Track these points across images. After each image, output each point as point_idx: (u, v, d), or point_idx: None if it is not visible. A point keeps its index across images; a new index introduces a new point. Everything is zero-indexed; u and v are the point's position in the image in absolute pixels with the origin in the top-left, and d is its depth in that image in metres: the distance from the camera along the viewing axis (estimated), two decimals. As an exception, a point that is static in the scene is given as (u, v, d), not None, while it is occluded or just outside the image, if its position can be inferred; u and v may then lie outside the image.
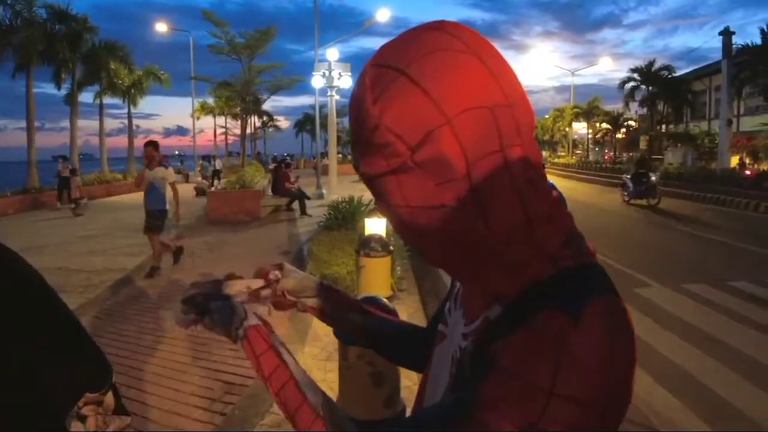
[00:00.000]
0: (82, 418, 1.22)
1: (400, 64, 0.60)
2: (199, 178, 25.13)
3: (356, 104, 0.63)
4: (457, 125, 0.58)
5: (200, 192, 20.94)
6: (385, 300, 2.12)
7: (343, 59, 19.91)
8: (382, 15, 21.81)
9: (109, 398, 1.23)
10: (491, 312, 0.68)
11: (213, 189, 17.35)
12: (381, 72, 0.61)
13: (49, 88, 26.32)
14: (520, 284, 0.64)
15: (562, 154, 51.77)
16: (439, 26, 0.64)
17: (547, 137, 54.55)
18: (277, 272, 0.97)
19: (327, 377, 4.26)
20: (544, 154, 52.68)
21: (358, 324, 1.05)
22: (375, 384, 2.19)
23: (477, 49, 0.61)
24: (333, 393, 4.01)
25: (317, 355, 4.69)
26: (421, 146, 0.59)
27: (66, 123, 25.31)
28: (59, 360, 1.18)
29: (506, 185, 0.60)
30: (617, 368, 0.58)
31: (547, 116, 54.07)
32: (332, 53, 19.65)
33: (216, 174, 25.15)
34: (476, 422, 0.58)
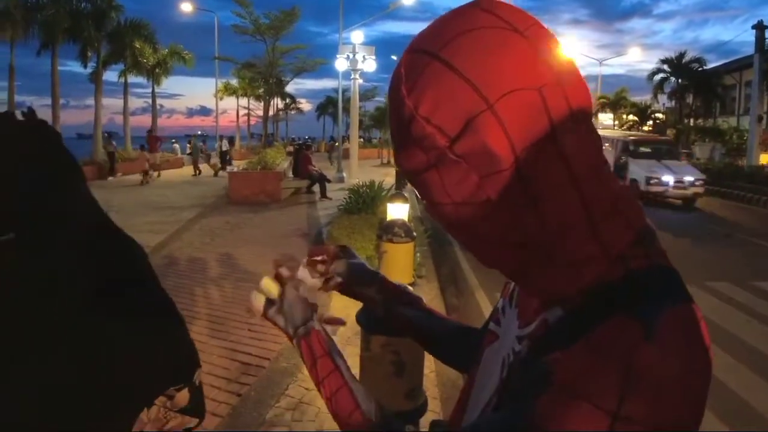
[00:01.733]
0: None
1: (433, 47, 0.54)
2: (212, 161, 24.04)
3: (392, 95, 0.58)
4: (500, 110, 0.51)
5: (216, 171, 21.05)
6: (410, 288, 2.04)
7: (368, 43, 19.72)
8: (408, -2, 21.54)
9: (182, 395, 1.15)
10: (550, 315, 0.61)
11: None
12: (414, 58, 0.55)
13: (74, 66, 26.65)
14: (583, 286, 0.58)
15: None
16: (475, 3, 0.57)
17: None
18: (335, 250, 0.95)
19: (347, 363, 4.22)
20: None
21: (407, 318, 1.00)
22: (397, 374, 2.13)
23: (518, 24, 0.54)
24: (350, 378, 3.99)
25: (335, 340, 4.64)
26: (462, 136, 0.53)
27: (90, 101, 25.45)
28: (154, 342, 1.13)
29: (560, 175, 0.54)
30: (691, 388, 0.51)
31: (572, 106, 53.43)
32: (357, 36, 19.50)
33: (223, 156, 23.90)
34: None
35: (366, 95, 39.92)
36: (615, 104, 44.81)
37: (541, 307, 0.64)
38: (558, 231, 0.56)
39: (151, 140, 20.91)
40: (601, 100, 45.81)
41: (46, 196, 0.98)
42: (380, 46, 20.14)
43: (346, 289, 0.98)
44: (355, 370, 3.23)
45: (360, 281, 0.97)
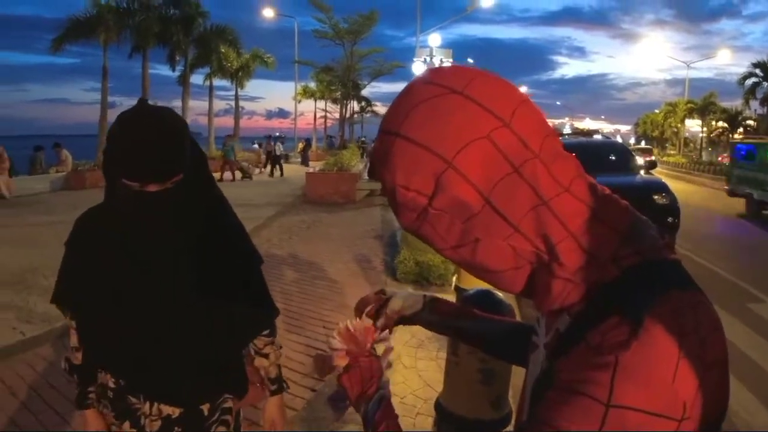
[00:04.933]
0: (265, 355, 1.72)
1: (394, 127, 0.64)
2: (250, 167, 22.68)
3: (376, 173, 0.69)
4: (458, 165, 0.61)
5: (244, 174, 20.59)
6: (499, 294, 2.02)
7: (444, 45, 19.71)
8: (486, 1, 21.30)
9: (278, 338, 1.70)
10: (561, 323, 0.68)
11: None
12: (384, 139, 0.66)
13: (162, 69, 27.98)
14: (583, 292, 0.65)
15: (672, 152, 48.73)
16: (422, 78, 0.67)
17: (656, 133, 51.57)
18: (378, 295, 1.06)
19: (417, 365, 4.23)
20: (653, 151, 49.86)
21: (464, 329, 1.08)
22: (484, 382, 2.10)
23: (456, 86, 0.63)
24: (422, 381, 4.00)
25: (408, 342, 4.66)
26: (436, 194, 0.63)
27: (176, 102, 26.64)
28: (244, 286, 1.62)
29: (530, 200, 0.63)
30: (687, 374, 0.56)
31: (657, 111, 51.15)
32: (434, 39, 19.54)
33: (276, 160, 22.95)
34: None
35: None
36: (703, 110, 42.42)
37: (554, 317, 0.70)
38: (547, 249, 0.64)
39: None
40: (689, 106, 43.53)
41: (192, 152, 1.41)
42: (457, 48, 20.04)
43: (400, 321, 1.08)
44: (432, 373, 3.24)
45: (416, 308, 1.07)
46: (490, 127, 0.62)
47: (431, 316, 1.07)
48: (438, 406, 2.26)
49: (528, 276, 0.68)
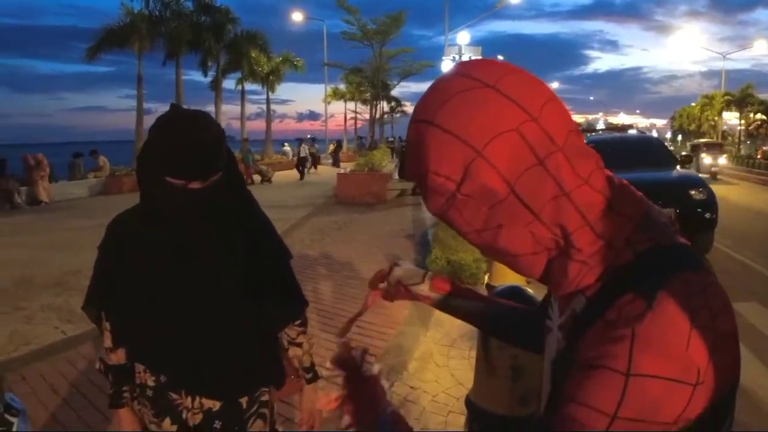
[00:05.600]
0: (299, 344, 1.77)
1: (427, 116, 0.69)
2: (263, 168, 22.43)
3: (408, 159, 0.73)
4: (488, 154, 0.65)
5: (263, 177, 20.58)
6: (530, 291, 2.01)
7: (473, 43, 19.59)
8: (515, -3, 21.10)
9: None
10: (577, 304, 0.73)
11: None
12: (417, 126, 0.70)
13: (195, 75, 28.50)
14: (598, 274, 0.69)
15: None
16: (455, 71, 0.71)
17: (693, 127, 50.35)
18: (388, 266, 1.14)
19: (449, 363, 4.22)
20: (689, 145, 48.63)
21: (465, 309, 1.13)
22: (514, 378, 2.09)
23: (489, 80, 0.67)
24: (455, 380, 3.97)
25: (440, 341, 4.65)
26: (464, 181, 0.67)
27: (209, 107, 27.15)
28: (275, 280, 1.69)
29: (552, 191, 0.67)
30: (699, 342, 0.60)
31: (693, 104, 49.94)
32: (463, 37, 19.45)
33: (301, 162, 23.05)
34: (563, 416, 0.63)
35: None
36: (741, 102, 41.26)
37: (569, 298, 0.74)
38: (564, 236, 0.69)
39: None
40: (726, 98, 42.40)
41: (228, 153, 1.51)
42: (486, 45, 19.89)
43: (414, 295, 1.17)
44: (464, 371, 3.23)
45: (415, 280, 1.16)
46: (519, 121, 0.66)
47: (432, 293, 1.15)
48: (468, 402, 2.25)
49: (546, 261, 0.72)
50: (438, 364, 4.22)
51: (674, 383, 0.59)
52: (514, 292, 2.02)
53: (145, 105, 23.09)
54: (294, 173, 22.86)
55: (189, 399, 1.59)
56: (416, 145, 0.70)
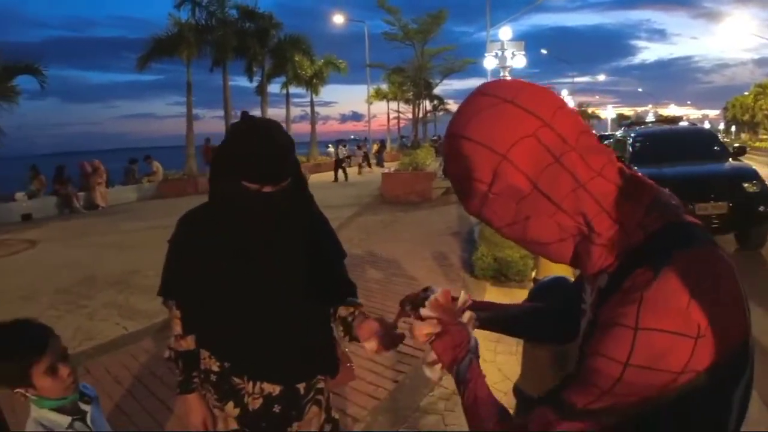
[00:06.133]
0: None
1: (459, 130, 0.83)
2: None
3: (447, 167, 0.87)
4: (512, 158, 0.79)
5: None
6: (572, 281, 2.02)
7: (516, 38, 19.29)
8: (559, -11, 20.69)
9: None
10: (601, 281, 0.84)
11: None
12: (451, 140, 0.84)
13: (239, 80, 29.05)
14: (615, 254, 0.80)
15: (765, 137, 45.39)
16: (479, 91, 0.86)
17: (746, 117, 48.24)
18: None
19: (497, 359, 4.23)
20: (743, 137, 46.66)
21: (486, 318, 1.21)
22: (559, 363, 2.11)
23: (507, 96, 0.81)
24: (502, 375, 3.98)
25: (487, 336, 4.60)
26: (494, 182, 0.80)
27: (253, 111, 27.26)
28: (332, 276, 1.79)
29: (570, 184, 0.79)
30: (699, 303, 0.70)
31: (746, 93, 47.73)
32: (505, 32, 19.16)
33: (339, 163, 22.47)
34: (584, 366, 0.77)
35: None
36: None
37: (596, 278, 0.84)
38: (585, 222, 0.80)
39: (208, 151, 19.52)
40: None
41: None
42: (528, 39, 19.65)
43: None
44: (511, 366, 3.25)
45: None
46: (535, 127, 0.79)
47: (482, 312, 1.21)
48: (516, 390, 2.28)
49: (573, 247, 0.83)
50: (485, 359, 4.24)
51: (676, 336, 0.70)
52: (558, 282, 2.04)
53: (194, 111, 23.67)
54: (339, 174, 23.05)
55: (250, 384, 1.68)
56: (451, 156, 0.84)
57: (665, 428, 0.77)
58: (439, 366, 1.03)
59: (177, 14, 22.78)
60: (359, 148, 29.75)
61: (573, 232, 0.81)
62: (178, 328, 1.73)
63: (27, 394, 1.53)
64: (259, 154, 1.48)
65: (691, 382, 0.72)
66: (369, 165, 26.24)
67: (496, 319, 1.24)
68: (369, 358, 4.23)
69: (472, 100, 0.85)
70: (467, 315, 1.06)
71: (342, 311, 1.78)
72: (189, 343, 1.73)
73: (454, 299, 1.10)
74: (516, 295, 4.36)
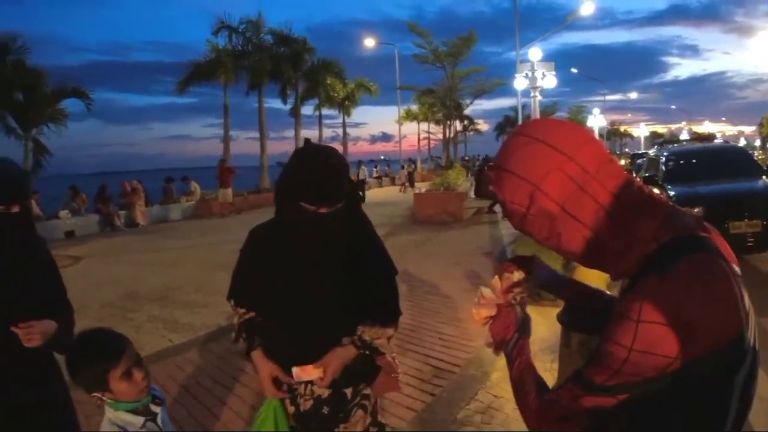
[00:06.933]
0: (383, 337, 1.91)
1: (502, 164, 1.03)
2: None
3: (495, 193, 1.07)
4: (543, 187, 0.98)
5: None
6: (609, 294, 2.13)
7: (546, 57, 19.28)
8: (586, 9, 20.70)
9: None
10: (624, 284, 1.00)
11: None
12: (496, 171, 1.05)
13: (274, 103, 29.58)
14: (634, 261, 0.95)
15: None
16: (518, 131, 1.06)
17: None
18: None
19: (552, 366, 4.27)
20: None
21: (596, 309, 1.31)
22: (588, 349, 2.20)
23: (538, 135, 1.01)
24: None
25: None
26: (531, 206, 0.99)
27: (286, 133, 28.20)
28: (382, 291, 1.95)
29: (593, 206, 0.97)
30: (693, 301, 0.86)
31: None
32: (535, 53, 19.18)
33: (359, 185, 21.66)
34: (599, 349, 0.93)
35: (546, 112, 38.97)
36: None
37: (622, 282, 1.01)
38: (606, 235, 0.97)
39: (223, 172, 18.73)
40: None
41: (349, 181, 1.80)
42: (559, 58, 19.62)
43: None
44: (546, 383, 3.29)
45: (552, 287, 1.35)
46: (561, 161, 0.97)
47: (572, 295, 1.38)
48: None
49: (599, 256, 1.01)
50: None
51: (669, 327, 0.86)
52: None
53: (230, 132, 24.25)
54: (368, 193, 23.18)
55: (302, 386, 1.84)
56: (497, 184, 1.05)
57: (676, 403, 0.93)
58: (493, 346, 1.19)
59: (214, 40, 23.55)
60: (403, 168, 30.23)
61: (599, 245, 0.98)
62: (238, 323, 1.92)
63: (103, 398, 1.66)
64: (316, 179, 1.65)
65: (691, 365, 0.88)
66: (412, 185, 26.40)
67: (570, 297, 1.40)
68: (405, 372, 4.32)
69: (512, 138, 1.05)
70: (518, 294, 1.20)
71: (367, 333, 1.85)
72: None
73: (525, 270, 1.23)
74: (550, 314, 4.42)
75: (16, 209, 1.85)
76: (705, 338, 0.87)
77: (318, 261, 1.79)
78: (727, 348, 0.89)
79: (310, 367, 1.77)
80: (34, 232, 2.06)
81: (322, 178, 1.65)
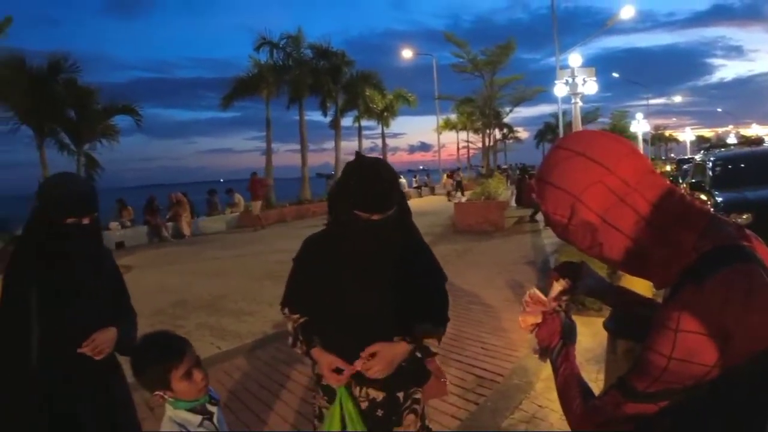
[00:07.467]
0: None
1: (545, 177, 1.06)
2: None
3: (538, 201, 1.10)
4: (584, 199, 1.00)
5: None
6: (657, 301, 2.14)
7: (585, 63, 18.97)
8: (627, 12, 20.33)
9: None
10: (666, 293, 1.01)
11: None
12: (540, 184, 1.07)
13: (314, 115, 30.00)
14: (675, 271, 0.96)
15: None
16: (559, 145, 1.07)
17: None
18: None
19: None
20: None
21: (644, 316, 1.32)
22: (633, 356, 2.21)
23: (578, 149, 1.02)
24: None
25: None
26: (572, 217, 1.01)
27: (326, 144, 28.70)
28: (431, 297, 1.99)
29: (633, 217, 0.99)
30: (730, 310, 0.87)
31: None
32: (575, 59, 18.89)
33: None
34: (641, 358, 0.95)
35: (587, 118, 38.36)
36: None
37: (665, 290, 1.02)
38: (648, 245, 0.99)
39: (254, 185, 19.00)
40: None
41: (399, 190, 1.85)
42: (599, 63, 19.32)
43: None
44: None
45: (599, 294, 1.37)
46: (601, 174, 0.99)
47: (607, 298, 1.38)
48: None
49: (642, 265, 1.02)
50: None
51: (707, 337, 0.88)
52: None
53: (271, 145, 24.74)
54: (411, 203, 23.27)
55: (358, 389, 1.89)
56: (540, 196, 1.08)
57: (714, 411, 0.95)
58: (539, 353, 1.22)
59: (256, 56, 24.13)
60: (450, 176, 30.42)
61: (641, 254, 1.00)
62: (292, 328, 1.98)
63: (165, 396, 1.75)
64: (368, 187, 1.75)
65: (729, 374, 0.90)
66: (462, 192, 26.19)
67: (616, 304, 1.42)
68: (449, 381, 4.32)
69: (552, 152, 1.08)
70: (563, 301, 1.24)
71: (417, 333, 1.90)
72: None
73: (571, 277, 1.27)
74: (595, 324, 4.37)
75: (86, 221, 1.98)
76: (742, 347, 0.88)
77: (370, 267, 1.86)
78: (765, 357, 0.90)
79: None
80: (102, 242, 2.20)
81: (373, 185, 1.75)
